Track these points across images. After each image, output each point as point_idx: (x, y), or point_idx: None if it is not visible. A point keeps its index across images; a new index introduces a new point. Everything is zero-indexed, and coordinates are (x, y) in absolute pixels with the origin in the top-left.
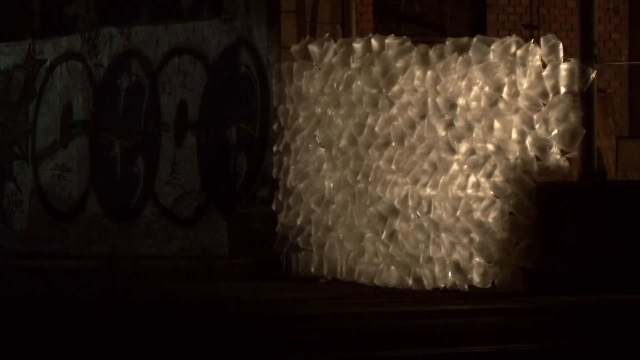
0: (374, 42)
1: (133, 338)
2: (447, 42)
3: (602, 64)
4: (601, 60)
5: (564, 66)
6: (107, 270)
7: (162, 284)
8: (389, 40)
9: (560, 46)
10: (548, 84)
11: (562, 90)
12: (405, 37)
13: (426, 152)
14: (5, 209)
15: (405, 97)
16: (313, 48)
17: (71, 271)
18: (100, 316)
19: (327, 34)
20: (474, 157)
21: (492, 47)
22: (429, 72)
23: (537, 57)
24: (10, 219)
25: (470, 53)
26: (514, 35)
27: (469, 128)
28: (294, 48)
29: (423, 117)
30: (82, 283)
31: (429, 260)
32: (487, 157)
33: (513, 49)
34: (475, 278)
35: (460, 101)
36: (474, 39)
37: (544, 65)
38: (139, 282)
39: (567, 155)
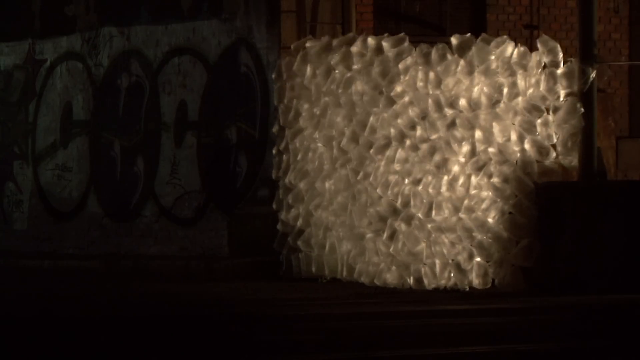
0: (370, 42)
1: (133, 338)
2: (451, 40)
3: (602, 64)
4: (601, 60)
5: (562, 67)
6: (107, 270)
7: (162, 284)
8: (386, 41)
9: (559, 47)
10: (547, 87)
11: (562, 93)
12: (402, 34)
13: (427, 153)
14: (5, 209)
15: (406, 97)
16: (312, 48)
17: (71, 271)
18: (100, 316)
19: (325, 35)
20: (475, 158)
21: (492, 48)
22: (431, 73)
23: (536, 58)
24: (10, 219)
25: (473, 55)
26: (506, 37)
27: (470, 129)
28: (294, 46)
29: (424, 117)
30: (82, 283)
31: (430, 259)
32: (487, 159)
33: (509, 50)
34: (475, 278)
35: (462, 102)
36: (478, 39)
37: (544, 67)
38: (139, 282)
39: (568, 162)
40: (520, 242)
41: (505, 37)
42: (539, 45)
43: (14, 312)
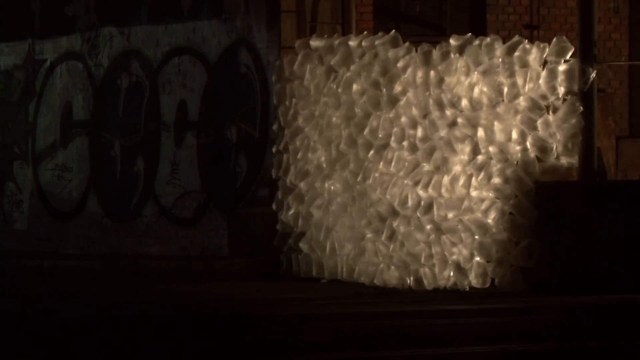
0: (376, 43)
1: (133, 338)
2: (451, 41)
3: (602, 64)
4: (601, 60)
5: (562, 67)
6: (107, 270)
7: (162, 284)
8: (381, 40)
9: (571, 51)
10: (549, 86)
11: (561, 91)
12: (393, 31)
13: (428, 153)
14: (5, 209)
15: (406, 97)
16: (315, 44)
17: (71, 271)
18: (100, 316)
19: (326, 36)
20: (476, 158)
21: (495, 47)
22: (432, 72)
23: (536, 57)
24: (10, 219)
25: (472, 54)
26: (516, 35)
27: (471, 129)
28: (297, 43)
29: (425, 117)
30: (82, 283)
31: (429, 260)
32: (488, 158)
33: (514, 49)
34: (475, 278)
35: (463, 102)
36: (475, 40)
37: (545, 64)
38: (139, 282)
39: (568, 162)
40: (520, 242)
41: (494, 36)
42: (552, 43)
43: (14, 311)
